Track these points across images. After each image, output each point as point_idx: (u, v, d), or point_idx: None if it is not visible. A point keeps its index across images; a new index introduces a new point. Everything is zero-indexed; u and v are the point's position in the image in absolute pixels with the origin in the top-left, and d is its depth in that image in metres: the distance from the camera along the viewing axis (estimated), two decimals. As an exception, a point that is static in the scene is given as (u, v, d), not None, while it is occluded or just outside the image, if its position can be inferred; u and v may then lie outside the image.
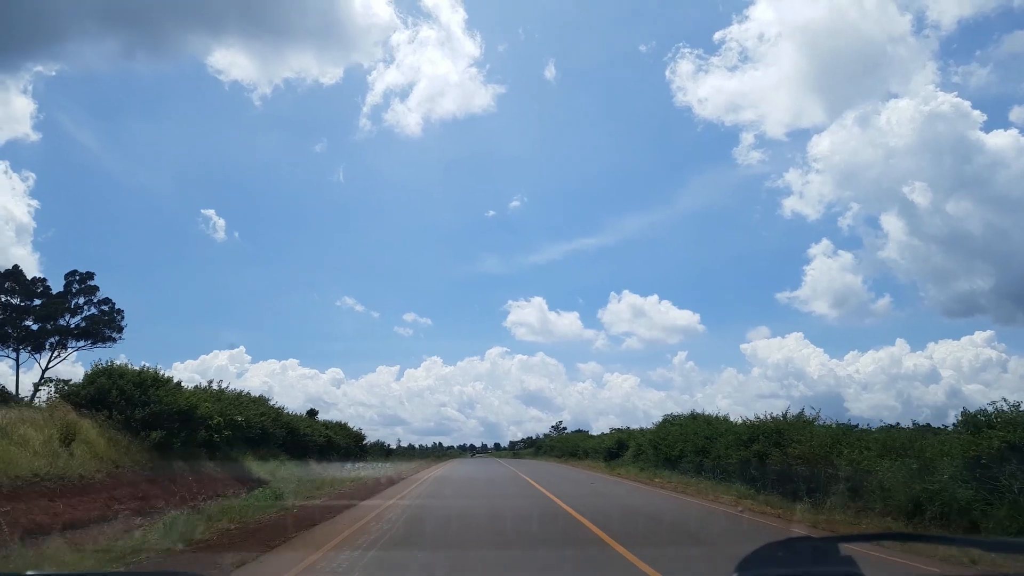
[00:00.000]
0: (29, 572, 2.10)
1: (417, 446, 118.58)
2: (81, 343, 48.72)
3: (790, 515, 14.22)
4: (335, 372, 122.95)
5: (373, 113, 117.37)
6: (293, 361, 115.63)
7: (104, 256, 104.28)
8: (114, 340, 49.30)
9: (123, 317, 50.03)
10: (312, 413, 43.98)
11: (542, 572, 9.00)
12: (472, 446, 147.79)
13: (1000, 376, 49.94)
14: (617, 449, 41.43)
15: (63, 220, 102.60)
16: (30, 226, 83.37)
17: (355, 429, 49.48)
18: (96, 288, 49.65)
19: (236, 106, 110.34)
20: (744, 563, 2.35)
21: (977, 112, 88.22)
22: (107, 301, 49.67)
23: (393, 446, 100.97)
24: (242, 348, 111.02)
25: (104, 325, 48.86)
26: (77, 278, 49.42)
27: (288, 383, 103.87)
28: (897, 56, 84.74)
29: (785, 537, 2.50)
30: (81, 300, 48.98)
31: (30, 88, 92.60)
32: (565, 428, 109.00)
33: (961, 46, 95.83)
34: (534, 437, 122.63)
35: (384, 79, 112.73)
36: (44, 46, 72.65)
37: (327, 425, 42.32)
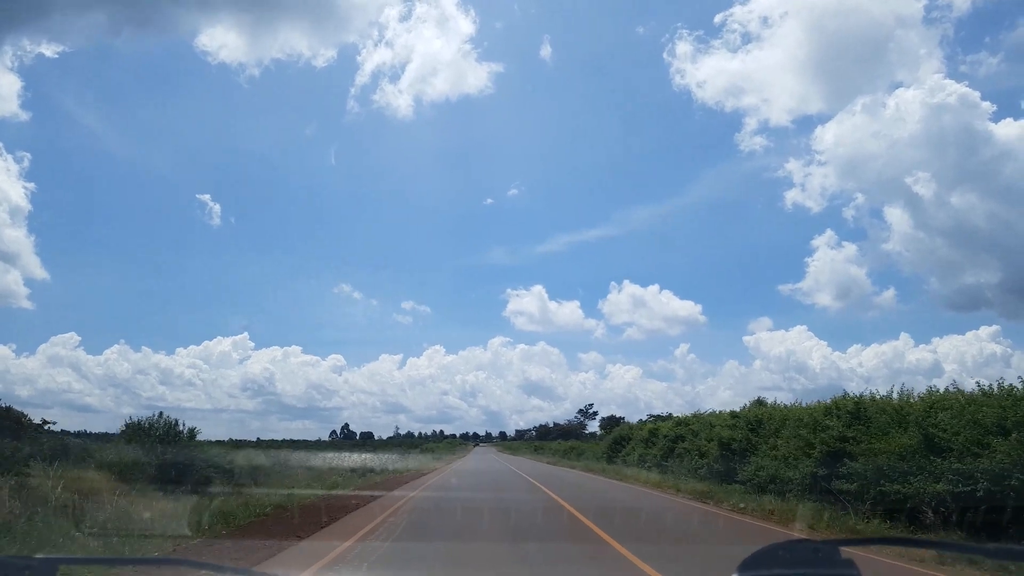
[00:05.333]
0: (38, 555, 2.12)
1: (418, 434, 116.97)
2: None
3: None
4: (336, 359, 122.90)
5: (363, 95, 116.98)
6: (295, 348, 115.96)
7: (100, 241, 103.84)
8: None
9: None
10: None
11: None
12: (476, 434, 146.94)
13: (1003, 371, 50.12)
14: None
15: (57, 202, 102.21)
16: (26, 208, 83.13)
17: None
18: None
19: (225, 88, 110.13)
20: (746, 563, 2.37)
21: (987, 103, 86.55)
22: None
23: (388, 435, 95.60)
24: (245, 334, 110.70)
25: None
26: None
27: (289, 370, 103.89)
28: (907, 41, 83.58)
29: (786, 539, 2.53)
30: None
31: (16, 65, 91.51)
32: (596, 412, 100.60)
33: (971, 33, 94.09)
34: (550, 425, 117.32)
35: (374, 58, 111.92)
36: (30, 19, 71.38)
37: None
